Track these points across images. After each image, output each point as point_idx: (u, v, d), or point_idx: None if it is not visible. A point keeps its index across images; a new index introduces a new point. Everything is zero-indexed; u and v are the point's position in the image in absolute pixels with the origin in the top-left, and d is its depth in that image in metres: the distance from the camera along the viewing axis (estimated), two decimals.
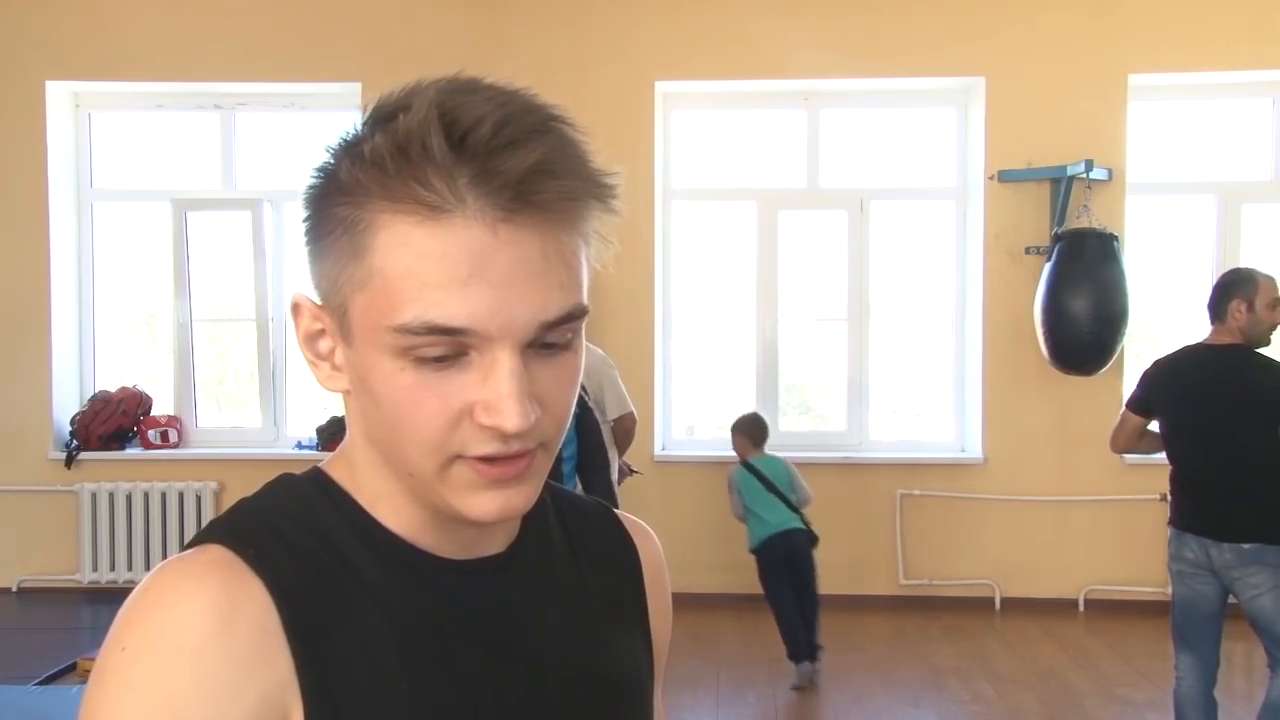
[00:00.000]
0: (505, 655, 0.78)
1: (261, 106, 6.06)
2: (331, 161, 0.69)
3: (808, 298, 6.12)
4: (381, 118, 0.67)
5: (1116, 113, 5.60)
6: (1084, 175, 5.39)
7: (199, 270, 6.11)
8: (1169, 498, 3.57)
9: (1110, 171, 5.52)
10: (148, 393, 6.06)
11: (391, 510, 0.76)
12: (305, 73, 5.74)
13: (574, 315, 0.69)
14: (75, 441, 5.88)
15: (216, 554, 0.71)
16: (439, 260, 0.65)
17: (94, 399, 5.97)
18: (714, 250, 6.22)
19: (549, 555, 0.85)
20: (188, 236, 6.01)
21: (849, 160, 6.05)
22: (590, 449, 3.82)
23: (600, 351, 4.67)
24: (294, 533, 0.74)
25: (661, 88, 5.78)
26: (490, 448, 0.69)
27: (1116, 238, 5.36)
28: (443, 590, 0.77)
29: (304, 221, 0.72)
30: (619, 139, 5.60)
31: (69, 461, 5.85)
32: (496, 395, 0.67)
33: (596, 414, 4.01)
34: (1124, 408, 3.68)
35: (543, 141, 0.66)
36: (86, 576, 5.81)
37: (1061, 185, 5.49)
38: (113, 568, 5.81)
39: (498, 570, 0.80)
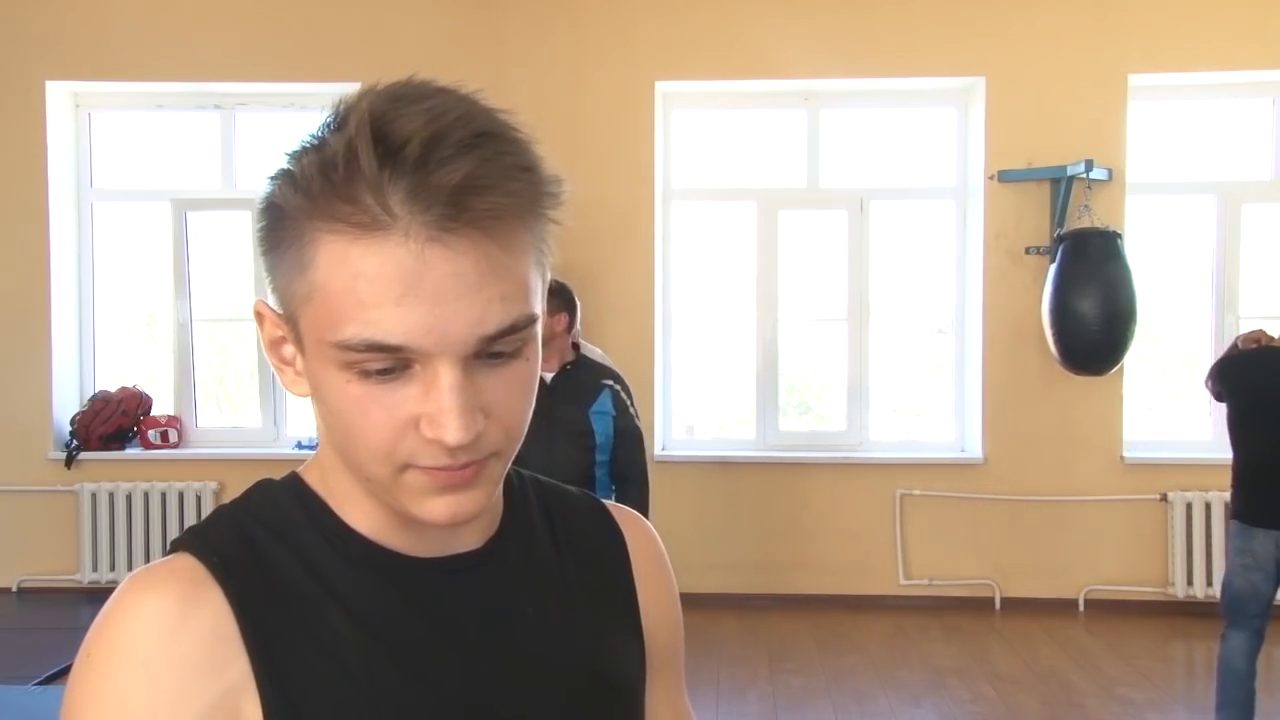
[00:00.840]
0: (478, 654, 0.78)
1: (261, 106, 6.06)
2: (279, 174, 0.70)
3: (808, 298, 6.12)
4: (322, 131, 0.68)
5: (1116, 113, 5.60)
6: (1084, 175, 5.39)
7: (199, 270, 6.11)
8: (1234, 492, 3.71)
9: (1110, 171, 5.52)
10: (148, 393, 6.06)
11: (361, 513, 0.78)
12: (305, 73, 5.74)
13: (518, 326, 0.69)
14: (75, 441, 5.88)
15: (181, 563, 0.73)
16: (374, 278, 0.65)
17: (94, 399, 5.97)
18: (714, 250, 6.22)
19: (531, 551, 0.85)
20: (188, 236, 6.01)
21: (849, 160, 6.05)
22: (624, 459, 3.63)
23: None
24: (263, 539, 0.76)
25: (661, 88, 5.78)
26: (437, 461, 0.69)
27: (1120, 235, 5.35)
28: (412, 590, 0.77)
29: (258, 231, 0.73)
30: (619, 139, 5.60)
31: (69, 461, 5.85)
32: (438, 409, 0.67)
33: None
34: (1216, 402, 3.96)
35: (472, 157, 0.65)
36: (86, 576, 5.81)
37: (1061, 185, 5.49)
38: (113, 568, 5.80)
39: (472, 568, 0.80)
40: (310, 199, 0.66)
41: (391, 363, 0.67)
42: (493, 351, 0.69)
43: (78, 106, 6.07)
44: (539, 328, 0.72)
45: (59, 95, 5.94)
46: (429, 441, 0.69)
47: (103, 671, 0.68)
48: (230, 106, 6.04)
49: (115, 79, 5.87)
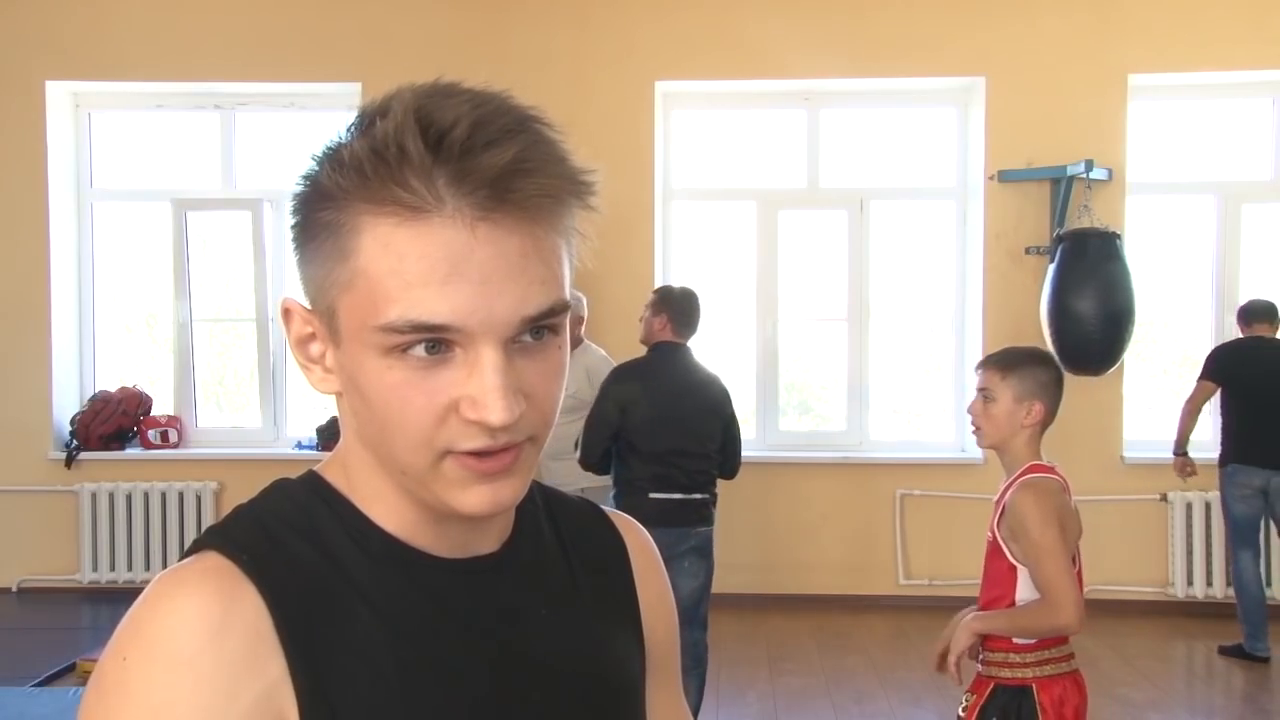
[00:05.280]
0: (498, 654, 0.78)
1: (261, 106, 6.06)
2: (315, 168, 0.71)
3: (808, 298, 6.12)
4: (362, 123, 0.69)
5: (1116, 113, 5.60)
6: (1084, 175, 5.39)
7: (199, 270, 6.11)
8: (1224, 447, 4.94)
9: (1110, 171, 5.52)
10: (148, 393, 6.06)
11: (386, 510, 0.77)
12: (305, 73, 5.74)
13: (555, 310, 0.70)
14: (75, 441, 5.88)
15: (212, 561, 0.72)
16: (420, 259, 0.66)
17: (94, 399, 5.97)
18: (714, 250, 6.22)
19: (541, 555, 0.86)
20: (188, 236, 6.01)
21: (849, 160, 6.05)
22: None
23: (602, 352, 4.67)
24: (289, 537, 0.75)
25: (661, 88, 5.78)
26: (478, 442, 0.70)
27: (1119, 236, 5.35)
28: (436, 590, 0.77)
29: (291, 228, 0.73)
30: (619, 139, 5.60)
31: (69, 461, 5.85)
32: (481, 390, 0.68)
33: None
34: (1200, 380, 4.98)
35: (517, 141, 0.67)
36: (86, 576, 5.81)
37: (1061, 185, 5.49)
38: (113, 568, 5.80)
39: (491, 570, 0.81)
40: (364, 180, 0.67)
41: (434, 345, 0.68)
42: (527, 336, 0.70)
43: (78, 106, 6.07)
44: (568, 317, 0.73)
45: (59, 95, 5.94)
46: (470, 423, 0.69)
47: (143, 673, 0.67)
48: (230, 106, 6.04)
49: (115, 79, 5.87)
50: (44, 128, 5.84)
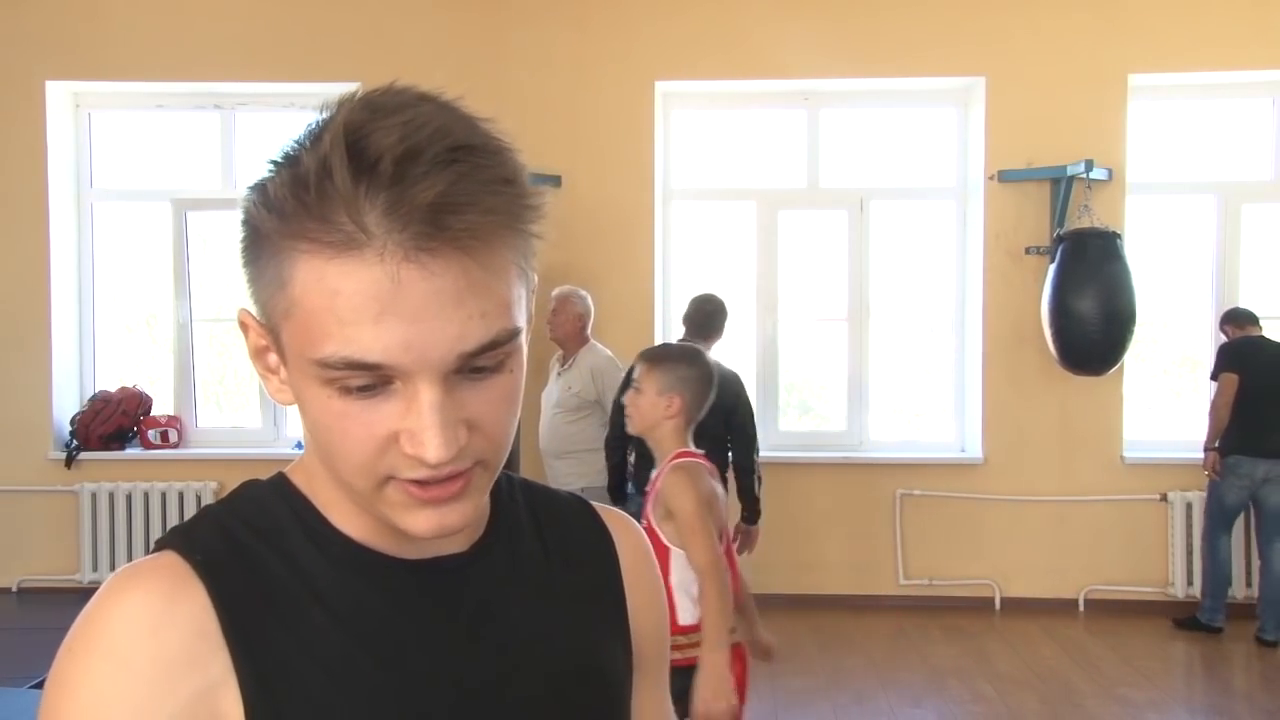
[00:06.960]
0: (462, 654, 0.78)
1: (261, 106, 6.06)
2: (254, 189, 0.69)
3: (808, 298, 6.12)
4: (298, 144, 0.67)
5: (1116, 113, 5.60)
6: (1084, 175, 5.39)
7: (199, 270, 6.11)
8: (1226, 439, 5.08)
9: (1110, 171, 5.52)
10: (148, 393, 6.06)
11: (346, 516, 0.78)
12: (305, 73, 5.73)
13: (500, 341, 0.68)
14: (75, 441, 5.88)
15: (164, 560, 0.73)
16: (351, 296, 0.65)
17: (94, 399, 5.97)
18: (714, 250, 6.22)
19: (517, 553, 0.85)
20: (188, 236, 6.01)
21: (849, 160, 6.05)
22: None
23: (608, 353, 4.69)
24: (247, 539, 0.76)
25: (661, 88, 5.78)
26: (419, 473, 0.69)
27: (1119, 236, 5.36)
28: (396, 591, 0.77)
29: (238, 244, 0.72)
30: (619, 139, 5.60)
31: (69, 461, 5.85)
32: (418, 426, 0.67)
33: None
34: (1223, 373, 5.09)
35: (447, 174, 0.64)
36: (86, 576, 5.81)
37: (1061, 185, 5.49)
38: (113, 568, 5.76)
39: (458, 569, 0.80)
40: (283, 219, 0.66)
41: (371, 380, 0.67)
42: (475, 366, 0.68)
43: (78, 106, 6.07)
44: (524, 338, 0.72)
45: (59, 95, 5.94)
46: (409, 456, 0.69)
47: (83, 666, 0.68)
48: (230, 106, 6.04)
49: (115, 79, 5.87)
50: (44, 128, 5.84)
